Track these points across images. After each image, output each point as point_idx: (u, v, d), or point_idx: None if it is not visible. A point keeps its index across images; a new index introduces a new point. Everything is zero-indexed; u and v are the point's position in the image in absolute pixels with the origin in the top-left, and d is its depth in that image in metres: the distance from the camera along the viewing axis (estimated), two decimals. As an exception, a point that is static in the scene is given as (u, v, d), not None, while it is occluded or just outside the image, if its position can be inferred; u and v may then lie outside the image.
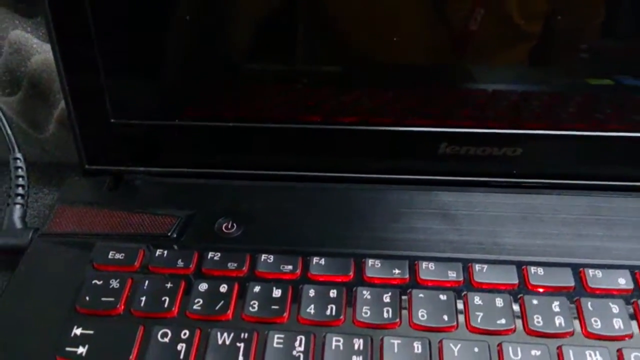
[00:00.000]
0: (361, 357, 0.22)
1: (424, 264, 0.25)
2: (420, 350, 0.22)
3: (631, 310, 0.24)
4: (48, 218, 0.29)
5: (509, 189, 0.30)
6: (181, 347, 0.22)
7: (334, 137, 0.31)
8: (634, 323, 0.23)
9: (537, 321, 0.23)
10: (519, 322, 0.23)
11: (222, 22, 0.29)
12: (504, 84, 0.30)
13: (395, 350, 0.22)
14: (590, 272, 0.25)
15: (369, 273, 0.25)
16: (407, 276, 0.25)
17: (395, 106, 0.30)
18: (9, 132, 0.31)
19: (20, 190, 0.30)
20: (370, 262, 0.26)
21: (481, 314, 0.23)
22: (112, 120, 0.30)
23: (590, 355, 0.22)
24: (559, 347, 0.22)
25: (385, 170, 0.31)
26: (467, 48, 0.30)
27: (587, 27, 0.30)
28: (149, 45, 0.29)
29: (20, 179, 0.30)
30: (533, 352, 0.22)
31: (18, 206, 0.29)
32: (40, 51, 0.36)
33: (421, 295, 0.24)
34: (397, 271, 0.25)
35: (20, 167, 0.30)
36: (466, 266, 0.25)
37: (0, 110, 0.32)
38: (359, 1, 0.29)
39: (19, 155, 0.30)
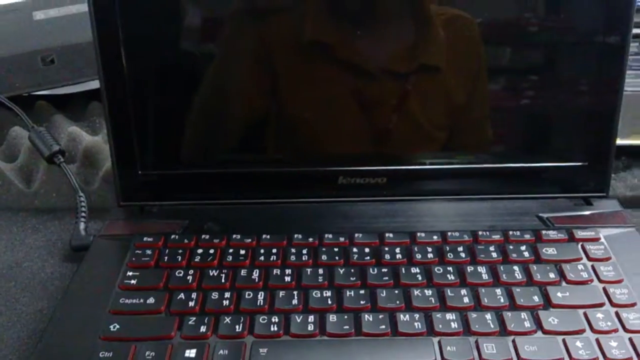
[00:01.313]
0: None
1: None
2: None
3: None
4: (102, 229, 0.45)
5: (382, 202, 0.46)
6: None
7: (279, 178, 0.46)
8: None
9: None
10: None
11: (208, 122, 0.44)
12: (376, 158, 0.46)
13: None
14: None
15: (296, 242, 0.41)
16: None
17: (318, 161, 0.46)
18: (75, 182, 0.48)
19: (83, 213, 0.46)
20: (295, 235, 0.42)
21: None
22: (140, 172, 0.46)
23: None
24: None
25: (309, 195, 0.46)
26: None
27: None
28: (166, 136, 0.44)
29: (83, 206, 0.46)
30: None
31: (82, 223, 0.45)
32: (88, 138, 0.54)
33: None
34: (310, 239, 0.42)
35: (83, 200, 0.46)
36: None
37: (69, 172, 0.49)
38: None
39: (81, 194, 0.47)
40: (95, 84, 0.59)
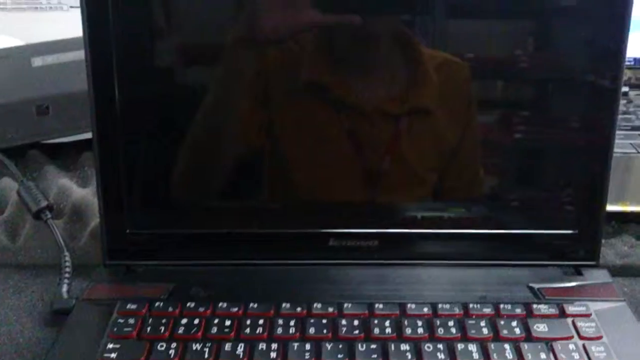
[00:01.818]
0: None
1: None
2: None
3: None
4: (84, 291, 0.43)
5: (372, 265, 0.45)
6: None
7: (269, 239, 0.45)
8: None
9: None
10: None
11: (199, 178, 0.44)
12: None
13: None
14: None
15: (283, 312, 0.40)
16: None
17: (309, 217, 0.45)
18: (61, 241, 0.46)
19: (67, 275, 0.44)
20: (283, 305, 0.40)
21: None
22: (127, 231, 0.45)
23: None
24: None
25: (299, 257, 0.45)
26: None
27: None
28: (156, 195, 0.44)
29: (67, 267, 0.44)
30: None
31: (65, 284, 0.44)
32: (77, 192, 0.52)
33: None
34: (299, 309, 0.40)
35: (67, 260, 0.45)
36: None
37: (55, 228, 0.47)
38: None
39: (66, 253, 0.45)
40: (89, 135, 0.57)
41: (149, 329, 0.38)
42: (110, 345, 0.37)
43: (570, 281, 0.44)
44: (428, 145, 0.43)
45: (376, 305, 0.40)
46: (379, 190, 0.44)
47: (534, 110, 0.43)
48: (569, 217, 0.44)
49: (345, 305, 0.40)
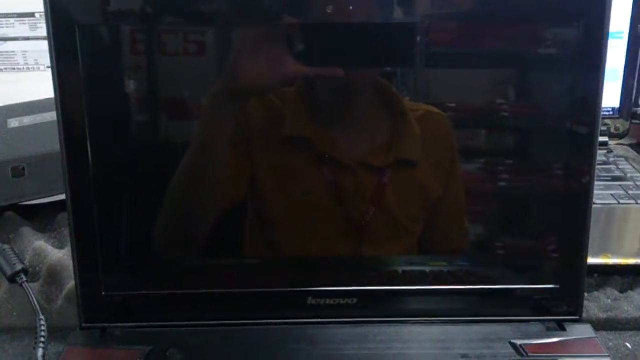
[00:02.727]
0: None
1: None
2: None
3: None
4: (60, 356, 0.43)
5: (352, 324, 0.45)
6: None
7: (246, 299, 0.45)
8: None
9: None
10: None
11: (174, 238, 0.44)
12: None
13: None
14: None
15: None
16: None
17: (287, 279, 0.46)
18: (37, 304, 0.46)
19: (42, 339, 0.44)
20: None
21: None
22: (103, 293, 0.46)
23: None
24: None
25: (277, 316, 0.45)
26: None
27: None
28: (131, 256, 0.44)
29: (43, 331, 0.44)
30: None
31: (41, 349, 0.44)
32: (53, 254, 0.53)
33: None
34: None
35: (43, 324, 0.45)
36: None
37: (30, 291, 0.48)
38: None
39: (42, 317, 0.46)
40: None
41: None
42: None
43: (553, 337, 0.44)
44: (413, 196, 0.44)
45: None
46: (363, 243, 0.44)
47: (515, 160, 0.45)
48: (551, 271, 0.45)
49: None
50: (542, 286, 0.45)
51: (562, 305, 0.46)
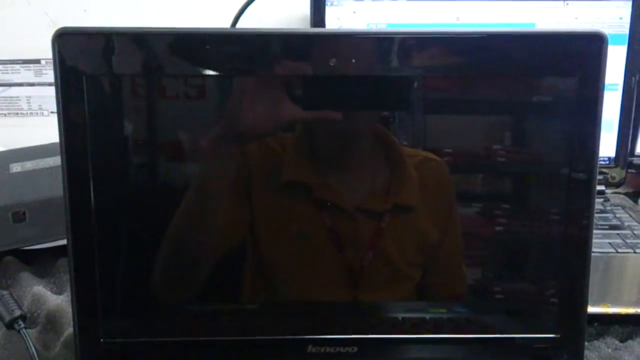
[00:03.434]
0: None
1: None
2: None
3: None
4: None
5: None
6: None
7: (245, 346, 0.45)
8: None
9: None
10: None
11: (174, 285, 0.45)
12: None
13: None
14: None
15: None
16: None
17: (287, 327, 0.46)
18: (34, 351, 0.47)
19: (39, 388, 0.44)
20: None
21: None
22: (102, 340, 0.46)
23: None
24: None
25: None
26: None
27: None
28: (130, 303, 0.45)
29: (40, 380, 0.45)
30: None
31: (37, 398, 0.44)
32: (52, 299, 0.54)
33: None
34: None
35: (40, 373, 0.45)
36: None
37: (28, 338, 0.48)
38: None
39: (39, 364, 0.46)
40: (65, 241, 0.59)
41: None
42: None
43: (554, 390, 0.44)
44: (410, 241, 0.45)
45: None
46: (361, 289, 0.45)
47: (513, 206, 0.46)
48: (551, 319, 0.46)
49: None
50: (543, 335, 0.46)
51: (562, 355, 0.46)
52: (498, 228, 0.46)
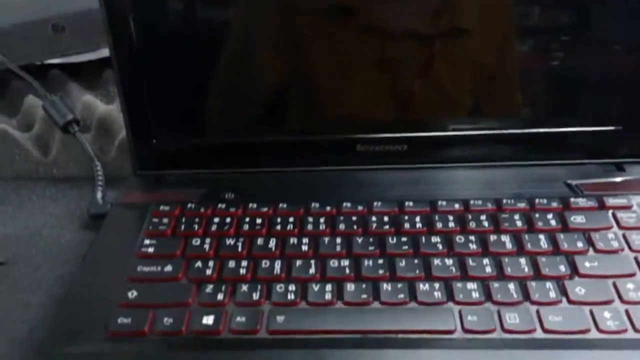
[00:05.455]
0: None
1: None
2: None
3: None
4: (118, 197, 0.47)
5: (402, 170, 0.47)
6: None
7: (297, 147, 0.47)
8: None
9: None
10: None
11: (224, 90, 0.45)
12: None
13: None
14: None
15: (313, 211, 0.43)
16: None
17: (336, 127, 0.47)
18: (91, 151, 0.50)
19: (100, 182, 0.48)
20: (312, 204, 0.43)
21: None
22: (154, 141, 0.47)
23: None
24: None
25: (326, 163, 0.47)
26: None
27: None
28: (180, 105, 0.46)
29: (100, 175, 0.48)
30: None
31: (99, 191, 0.47)
32: (101, 107, 0.56)
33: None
34: (328, 208, 0.43)
35: (99, 169, 0.48)
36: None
37: (84, 139, 0.51)
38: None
39: (97, 162, 0.49)
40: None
41: (183, 227, 0.41)
42: (147, 241, 0.40)
43: (610, 177, 0.45)
44: (465, 67, 0.43)
45: (406, 203, 0.43)
46: (411, 113, 0.45)
47: (575, 8, 0.43)
48: (613, 112, 0.45)
49: (375, 204, 0.43)
50: (604, 128, 0.45)
51: (624, 148, 0.45)
52: (559, 47, 0.43)
